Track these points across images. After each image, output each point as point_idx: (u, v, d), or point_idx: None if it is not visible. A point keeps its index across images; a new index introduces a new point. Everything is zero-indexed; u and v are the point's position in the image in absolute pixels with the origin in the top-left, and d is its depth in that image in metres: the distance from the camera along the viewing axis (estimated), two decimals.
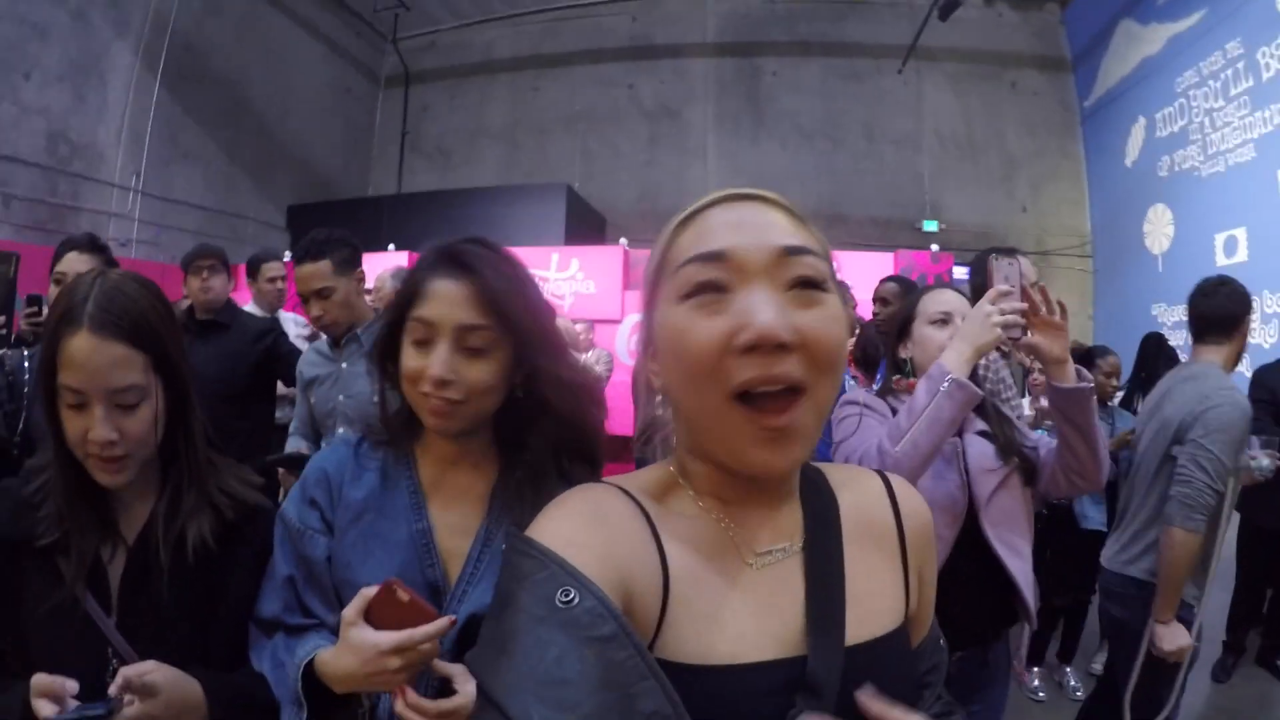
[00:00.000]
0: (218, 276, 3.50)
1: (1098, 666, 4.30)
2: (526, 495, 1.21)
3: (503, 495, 1.24)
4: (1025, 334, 1.80)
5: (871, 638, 0.76)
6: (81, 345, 1.09)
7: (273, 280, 4.49)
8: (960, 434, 2.02)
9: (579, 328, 5.71)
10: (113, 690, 1.03)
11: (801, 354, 0.67)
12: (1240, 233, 7.41)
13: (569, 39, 12.36)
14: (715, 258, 0.70)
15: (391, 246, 8.60)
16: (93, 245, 2.84)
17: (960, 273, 8.93)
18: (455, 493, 1.26)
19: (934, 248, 7.78)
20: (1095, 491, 2.05)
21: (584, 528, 0.70)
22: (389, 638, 1.01)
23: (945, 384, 1.73)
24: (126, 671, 1.06)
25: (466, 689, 1.03)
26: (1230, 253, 7.52)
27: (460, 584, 1.19)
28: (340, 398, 2.63)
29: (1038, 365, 2.45)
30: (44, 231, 7.37)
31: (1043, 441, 2.09)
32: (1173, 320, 8.12)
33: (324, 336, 2.77)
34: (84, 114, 8.01)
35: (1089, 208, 10.74)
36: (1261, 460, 2.73)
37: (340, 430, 2.57)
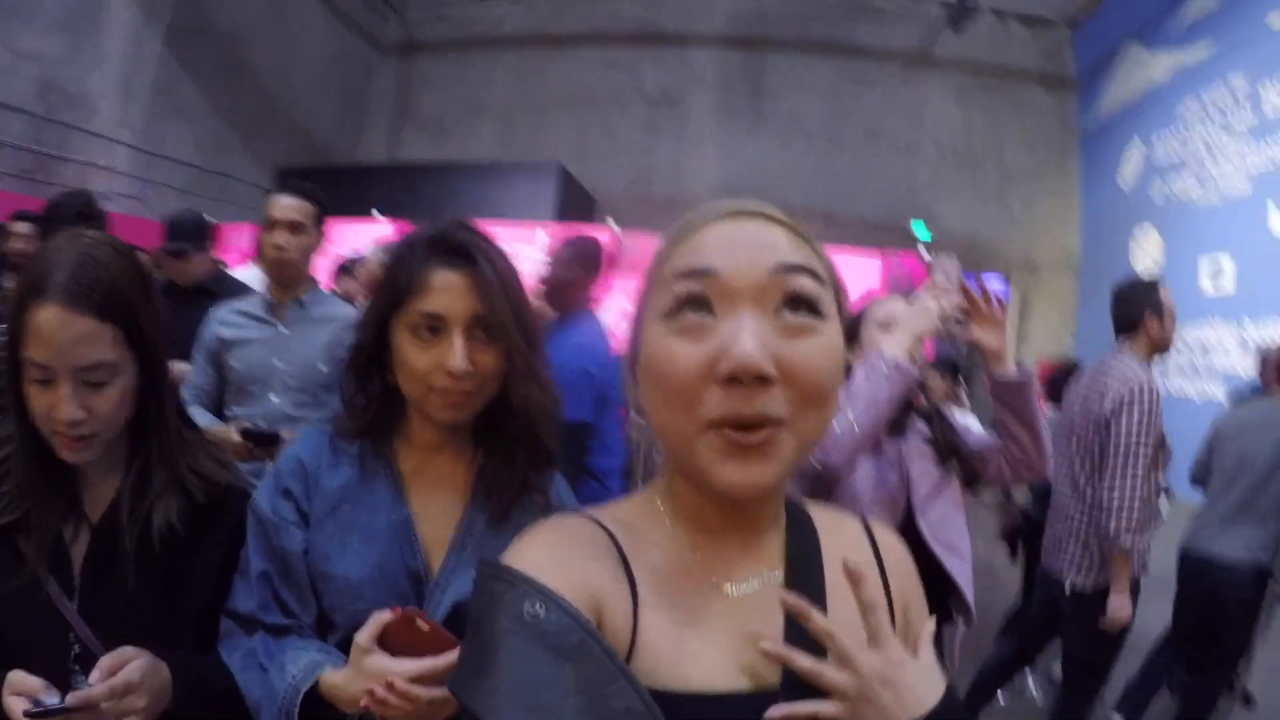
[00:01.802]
0: (193, 261, 3.40)
1: (1058, 671, 4.30)
2: (505, 482, 1.22)
3: (485, 481, 1.24)
4: (963, 328, 1.93)
5: None
6: (49, 318, 1.02)
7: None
8: (901, 434, 2.10)
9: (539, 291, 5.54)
10: (93, 678, 1.00)
11: (786, 388, 0.64)
12: (1226, 261, 7.44)
13: (576, 20, 12.30)
14: (702, 274, 0.67)
15: (376, 212, 8.47)
16: (86, 217, 2.80)
17: None
18: (436, 481, 1.25)
19: (923, 253, 7.74)
20: (1040, 479, 2.12)
21: (553, 556, 0.70)
22: (411, 667, 0.99)
23: (885, 367, 1.80)
24: (104, 661, 1.03)
25: None
26: (1215, 279, 7.55)
27: (444, 572, 1.18)
28: (278, 363, 2.48)
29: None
30: (30, 181, 7.26)
31: (986, 438, 2.16)
32: None
33: (256, 296, 2.63)
34: (79, 63, 7.88)
35: (1080, 226, 10.79)
36: None
37: (273, 398, 2.46)
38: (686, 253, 0.70)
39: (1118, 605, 2.74)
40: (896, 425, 2.07)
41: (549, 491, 1.28)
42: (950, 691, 0.68)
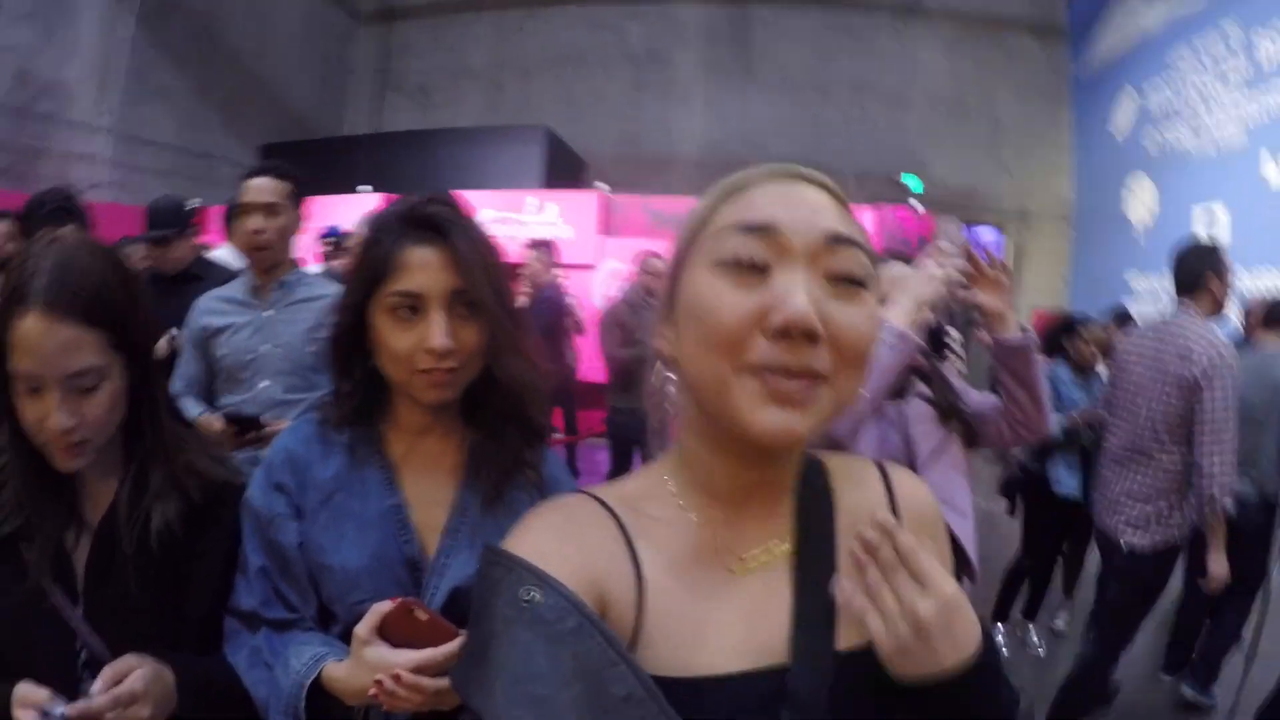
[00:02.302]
0: (175, 247, 3.35)
1: (1060, 624, 4.43)
2: (497, 460, 1.20)
3: (476, 461, 1.21)
4: (967, 290, 1.93)
5: (866, 642, 0.67)
6: (32, 328, 1.00)
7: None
8: (902, 397, 2.10)
9: (531, 255, 5.49)
10: (95, 688, 0.99)
11: (830, 347, 0.64)
12: (1220, 208, 7.43)
13: None
14: (761, 229, 0.66)
15: (361, 188, 8.39)
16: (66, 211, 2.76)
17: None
18: (426, 464, 1.22)
19: (915, 206, 7.72)
20: (1040, 439, 2.15)
21: (555, 540, 0.69)
22: (411, 657, 0.97)
23: (888, 335, 1.78)
24: (108, 671, 1.01)
25: None
26: (1209, 228, 7.53)
27: (440, 556, 1.16)
28: (266, 347, 2.45)
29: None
30: (10, 175, 7.16)
31: (987, 399, 2.16)
32: (1145, 288, 8.16)
33: (238, 281, 2.58)
34: (52, 51, 7.76)
35: (1073, 175, 10.75)
36: None
37: (263, 384, 2.43)
38: (743, 207, 0.69)
39: (1218, 564, 2.82)
40: (898, 388, 2.06)
41: (541, 467, 1.25)
42: (986, 634, 0.66)
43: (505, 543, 0.70)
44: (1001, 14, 11.07)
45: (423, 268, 1.11)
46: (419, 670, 0.96)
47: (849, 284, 0.66)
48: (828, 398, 0.65)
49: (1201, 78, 7.96)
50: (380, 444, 1.22)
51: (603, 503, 0.75)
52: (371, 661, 0.98)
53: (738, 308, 0.64)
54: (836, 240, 0.67)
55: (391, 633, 1.00)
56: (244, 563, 1.18)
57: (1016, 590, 4.28)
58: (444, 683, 0.95)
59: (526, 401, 1.21)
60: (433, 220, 1.13)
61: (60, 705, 0.97)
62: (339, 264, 4.66)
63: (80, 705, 0.97)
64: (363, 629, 1.00)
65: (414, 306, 1.11)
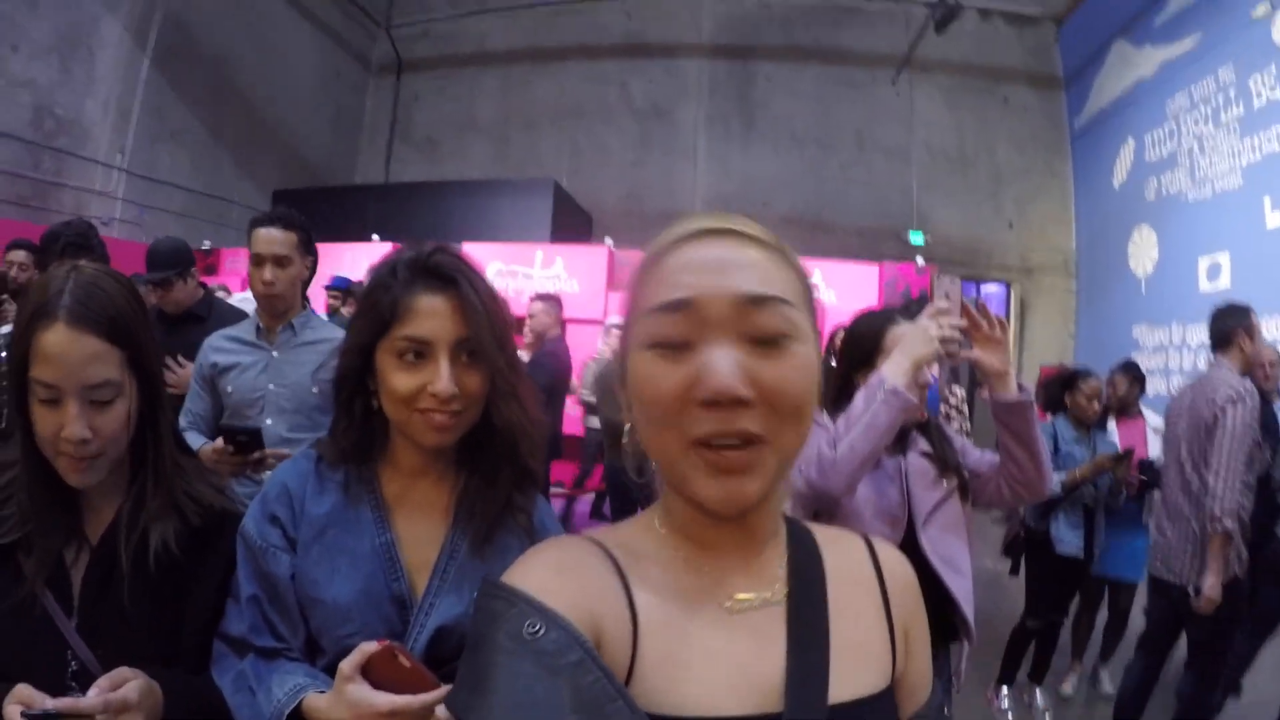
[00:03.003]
0: (177, 289, 3.39)
1: (1068, 688, 4.35)
2: (487, 504, 1.23)
3: (466, 504, 1.24)
4: (965, 349, 1.95)
5: (855, 698, 0.73)
6: (57, 339, 1.07)
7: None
8: (904, 453, 2.09)
9: (538, 307, 5.46)
10: (91, 695, 1.01)
11: (762, 408, 0.66)
12: (1224, 258, 7.44)
13: (563, 33, 12.33)
14: (677, 308, 0.69)
15: (375, 237, 8.48)
16: (80, 248, 2.81)
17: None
18: (419, 505, 1.25)
19: (919, 260, 7.75)
20: (1039, 499, 2.15)
21: (552, 576, 0.70)
22: (387, 700, 1.00)
23: (881, 392, 1.80)
24: (103, 680, 1.04)
25: None
26: (1213, 278, 7.54)
27: (428, 596, 1.18)
28: (271, 386, 2.54)
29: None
30: (27, 208, 7.26)
31: (985, 457, 2.17)
32: (1153, 343, 8.16)
33: (247, 322, 2.67)
34: (71, 88, 7.89)
35: (1075, 227, 10.80)
36: None
37: (268, 422, 2.48)
38: (659, 283, 0.71)
39: (1211, 585, 2.95)
40: (897, 441, 2.05)
41: (532, 511, 1.28)
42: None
43: (505, 577, 0.71)
44: (999, 65, 11.22)
45: (431, 315, 1.15)
46: (395, 715, 0.99)
47: (773, 342, 0.68)
48: (770, 457, 0.67)
49: (1198, 123, 8.03)
50: (375, 483, 1.25)
51: (599, 544, 0.77)
52: (352, 699, 1.00)
53: (669, 385, 0.67)
54: (752, 302, 0.68)
55: (374, 673, 1.02)
56: (236, 589, 1.21)
57: (1022, 652, 4.18)
58: None
59: (522, 446, 1.24)
60: (442, 270, 1.18)
61: (49, 701, 0.99)
62: (347, 312, 4.71)
63: (67, 701, 1.00)
64: (347, 666, 1.02)
65: (420, 352, 1.15)
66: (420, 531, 1.23)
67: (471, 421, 1.20)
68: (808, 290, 0.74)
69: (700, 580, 0.76)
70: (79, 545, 1.19)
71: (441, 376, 1.13)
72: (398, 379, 1.15)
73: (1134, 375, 4.50)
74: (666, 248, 0.73)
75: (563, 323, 5.59)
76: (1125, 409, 4.46)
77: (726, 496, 0.67)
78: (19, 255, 3.66)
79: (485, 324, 1.17)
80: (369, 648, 1.03)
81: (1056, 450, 3.91)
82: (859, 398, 1.85)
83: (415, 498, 1.25)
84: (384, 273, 1.21)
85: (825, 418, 2.04)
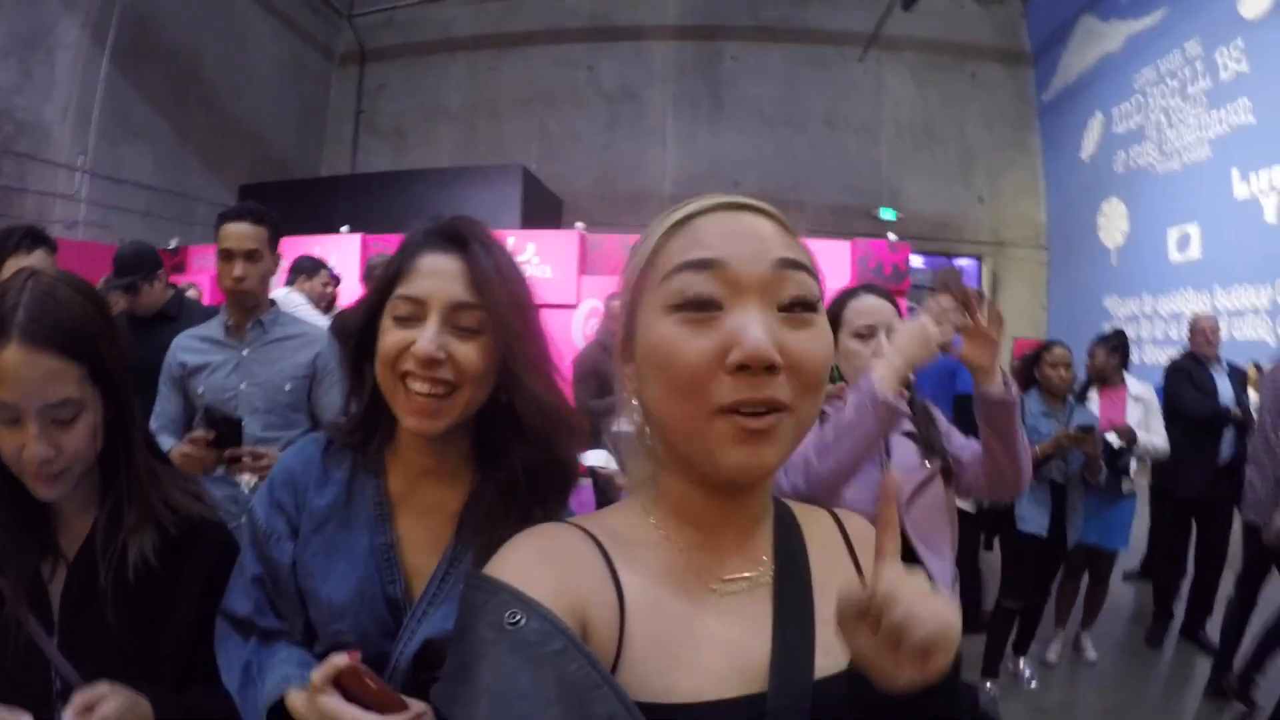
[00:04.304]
0: (144, 293, 3.35)
1: (1052, 656, 4.40)
2: (497, 517, 1.10)
3: (474, 514, 1.13)
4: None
5: (840, 669, 0.70)
6: (11, 359, 1.01)
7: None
8: (889, 434, 2.02)
9: None
10: (65, 715, 0.99)
11: (789, 375, 0.66)
12: (1193, 229, 7.50)
13: (529, 18, 12.23)
14: (709, 266, 0.68)
15: (345, 228, 8.36)
16: (35, 239, 2.74)
17: (917, 261, 8.98)
18: (426, 507, 1.17)
19: (891, 236, 7.75)
20: (1016, 494, 2.12)
21: (536, 564, 0.70)
22: (354, 716, 0.95)
23: (872, 404, 1.73)
24: (79, 698, 1.01)
25: None
26: (1183, 249, 7.61)
27: (422, 603, 1.11)
28: (243, 385, 2.50)
29: None
30: None
31: (971, 444, 2.12)
32: (1124, 313, 8.23)
33: (215, 320, 2.62)
34: (30, 92, 7.74)
35: (1045, 200, 10.89)
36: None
37: (243, 421, 2.44)
38: (688, 244, 0.70)
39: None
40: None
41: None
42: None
43: (487, 568, 0.70)
44: (966, 41, 11.27)
45: (431, 274, 1.08)
46: None
47: (800, 310, 0.69)
48: (790, 426, 0.68)
49: (1166, 97, 8.08)
50: (381, 477, 1.18)
51: (585, 530, 0.76)
52: (321, 707, 0.95)
53: (697, 351, 0.66)
54: (784, 266, 0.69)
55: (345, 685, 0.98)
56: (241, 567, 1.19)
57: (1005, 634, 4.12)
58: None
59: (555, 452, 1.14)
60: (453, 230, 1.11)
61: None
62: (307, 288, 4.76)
63: None
64: (318, 677, 0.96)
65: (415, 314, 1.06)
66: (423, 535, 1.15)
67: (466, 408, 1.09)
68: (816, 267, 0.74)
69: (689, 564, 0.75)
70: (55, 561, 1.16)
71: (426, 335, 1.04)
72: (386, 337, 1.07)
73: (1112, 345, 4.48)
74: (689, 214, 0.73)
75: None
76: (1105, 379, 4.46)
77: (748, 464, 0.67)
78: None
79: (497, 291, 1.08)
80: (339, 661, 0.96)
81: (1025, 428, 3.87)
82: (850, 404, 1.77)
83: (422, 498, 1.17)
84: (405, 239, 1.15)
85: None
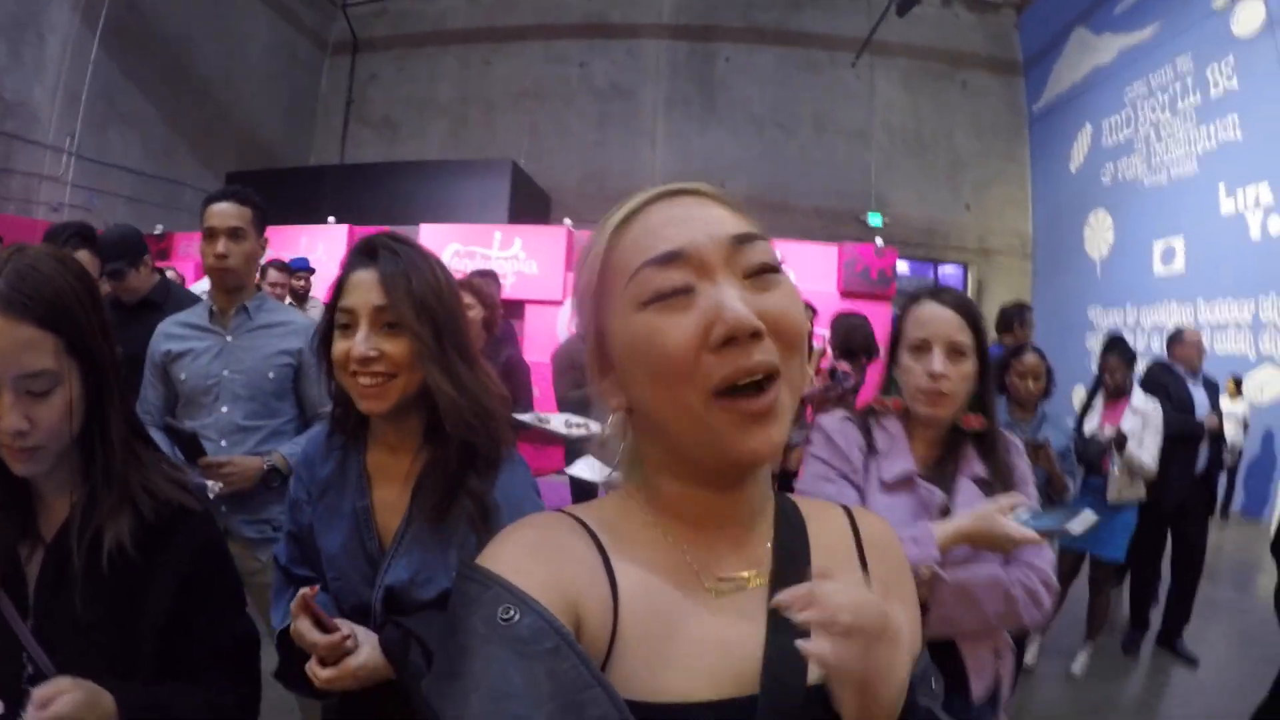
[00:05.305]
0: (131, 279, 3.29)
1: (1077, 668, 4.28)
2: (438, 483, 1.34)
3: (420, 481, 1.36)
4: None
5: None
6: None
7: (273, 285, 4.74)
8: (954, 475, 1.77)
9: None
10: (27, 712, 0.97)
11: (772, 338, 0.66)
12: (1178, 242, 7.55)
13: (523, 13, 12.22)
14: (672, 257, 0.68)
15: (331, 219, 8.32)
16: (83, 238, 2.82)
17: (903, 267, 8.99)
18: (392, 476, 1.40)
19: (878, 241, 7.76)
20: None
21: (531, 556, 0.69)
22: (311, 636, 1.22)
23: (920, 555, 1.54)
24: (38, 693, 0.99)
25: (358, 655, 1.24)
26: (1168, 261, 7.65)
27: (387, 556, 1.34)
28: (226, 373, 2.44)
29: None
30: None
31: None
32: (1108, 323, 8.27)
33: (200, 306, 2.56)
34: (20, 73, 7.68)
35: (1032, 209, 10.93)
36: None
37: (223, 409, 2.41)
38: (642, 240, 0.70)
39: None
40: (941, 466, 1.76)
41: (488, 495, 1.35)
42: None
43: (481, 558, 0.69)
44: (959, 50, 11.32)
45: (356, 287, 1.31)
46: (315, 647, 1.22)
47: (766, 273, 0.69)
48: (785, 394, 0.67)
49: (1155, 111, 8.13)
50: (362, 453, 1.43)
51: (581, 522, 0.75)
52: (295, 628, 1.24)
53: (680, 331, 0.66)
54: (740, 240, 0.69)
55: (315, 614, 1.24)
56: (284, 524, 1.50)
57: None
58: (332, 672, 1.23)
59: (474, 428, 1.34)
60: (369, 248, 1.34)
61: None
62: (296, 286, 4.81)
63: None
64: (294, 606, 1.24)
65: (351, 323, 1.31)
66: (391, 499, 1.38)
67: (404, 390, 1.32)
68: (767, 236, 0.74)
69: (685, 562, 0.74)
70: (33, 543, 1.14)
71: (358, 340, 1.28)
72: (335, 346, 1.32)
73: (1128, 359, 4.35)
74: (634, 212, 0.73)
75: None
76: (1122, 392, 4.36)
77: (758, 448, 0.66)
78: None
79: (404, 293, 1.29)
80: (304, 592, 1.23)
81: None
82: (910, 549, 1.52)
83: (390, 469, 1.40)
84: (345, 258, 1.39)
85: (853, 432, 1.81)
